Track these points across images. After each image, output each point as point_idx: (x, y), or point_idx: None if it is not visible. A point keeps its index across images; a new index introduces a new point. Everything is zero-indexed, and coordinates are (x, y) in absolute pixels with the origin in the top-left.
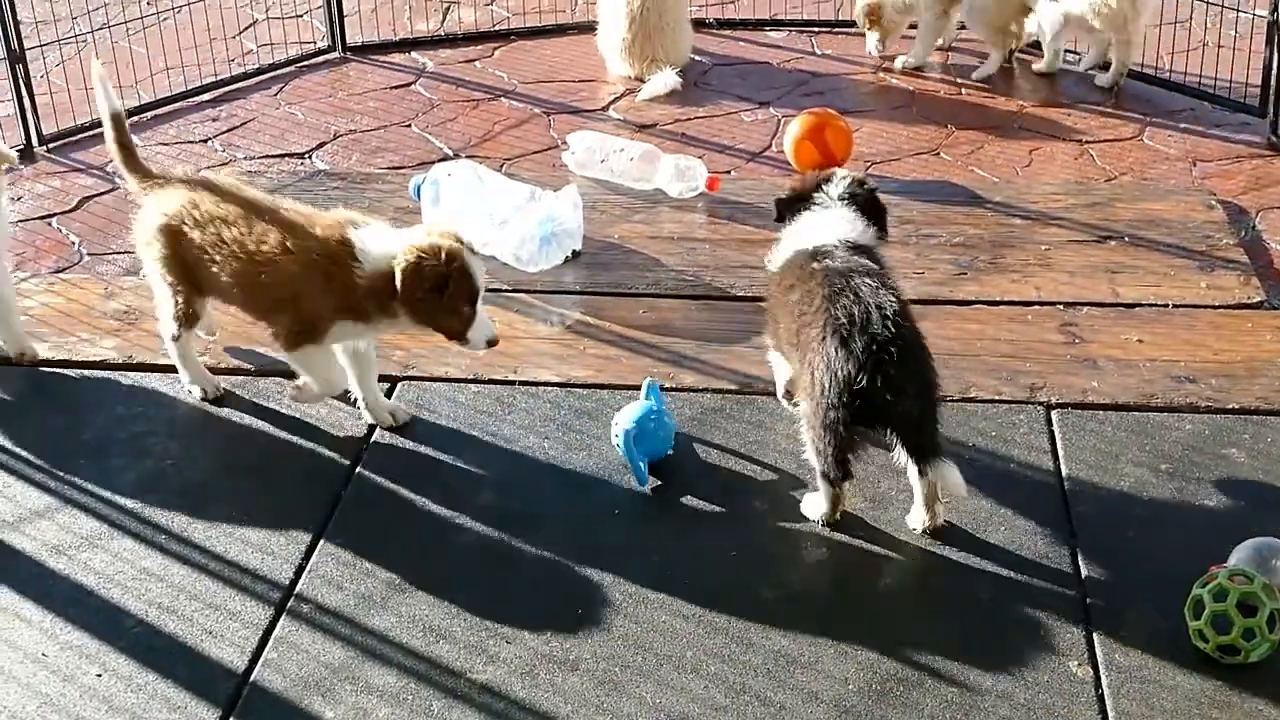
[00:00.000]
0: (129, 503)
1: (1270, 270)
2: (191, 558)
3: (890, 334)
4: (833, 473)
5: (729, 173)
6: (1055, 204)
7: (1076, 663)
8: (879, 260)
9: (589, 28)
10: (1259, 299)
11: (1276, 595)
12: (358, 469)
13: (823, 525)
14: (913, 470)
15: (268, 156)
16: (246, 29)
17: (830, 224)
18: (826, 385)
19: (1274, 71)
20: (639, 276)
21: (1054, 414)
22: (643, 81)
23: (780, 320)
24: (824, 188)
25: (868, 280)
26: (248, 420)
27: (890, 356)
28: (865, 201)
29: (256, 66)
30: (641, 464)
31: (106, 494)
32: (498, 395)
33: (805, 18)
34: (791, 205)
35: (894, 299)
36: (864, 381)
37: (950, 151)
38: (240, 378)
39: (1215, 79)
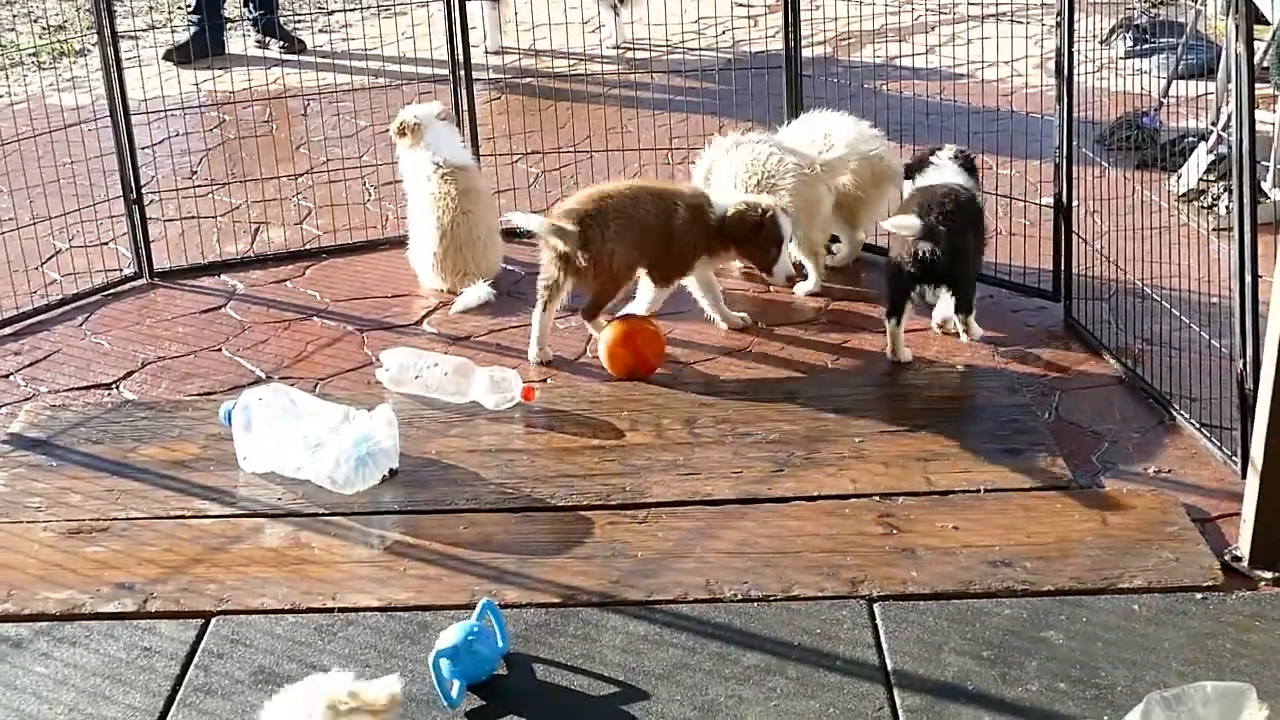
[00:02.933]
0: None
1: (1073, 449)
2: None
3: (946, 221)
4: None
5: (545, 381)
6: (865, 396)
7: None
8: (972, 196)
9: (400, 243)
10: (1066, 479)
11: None
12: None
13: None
14: (954, 316)
15: (73, 389)
16: (49, 259)
17: (940, 173)
18: (899, 249)
19: (1064, 257)
20: (458, 492)
21: (876, 607)
22: (455, 294)
23: None
24: (937, 153)
25: (945, 193)
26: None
27: (942, 233)
28: (964, 161)
29: (60, 297)
30: (455, 686)
31: None
32: (316, 624)
33: None
34: (917, 165)
35: (955, 203)
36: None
37: (761, 348)
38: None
39: (1010, 266)
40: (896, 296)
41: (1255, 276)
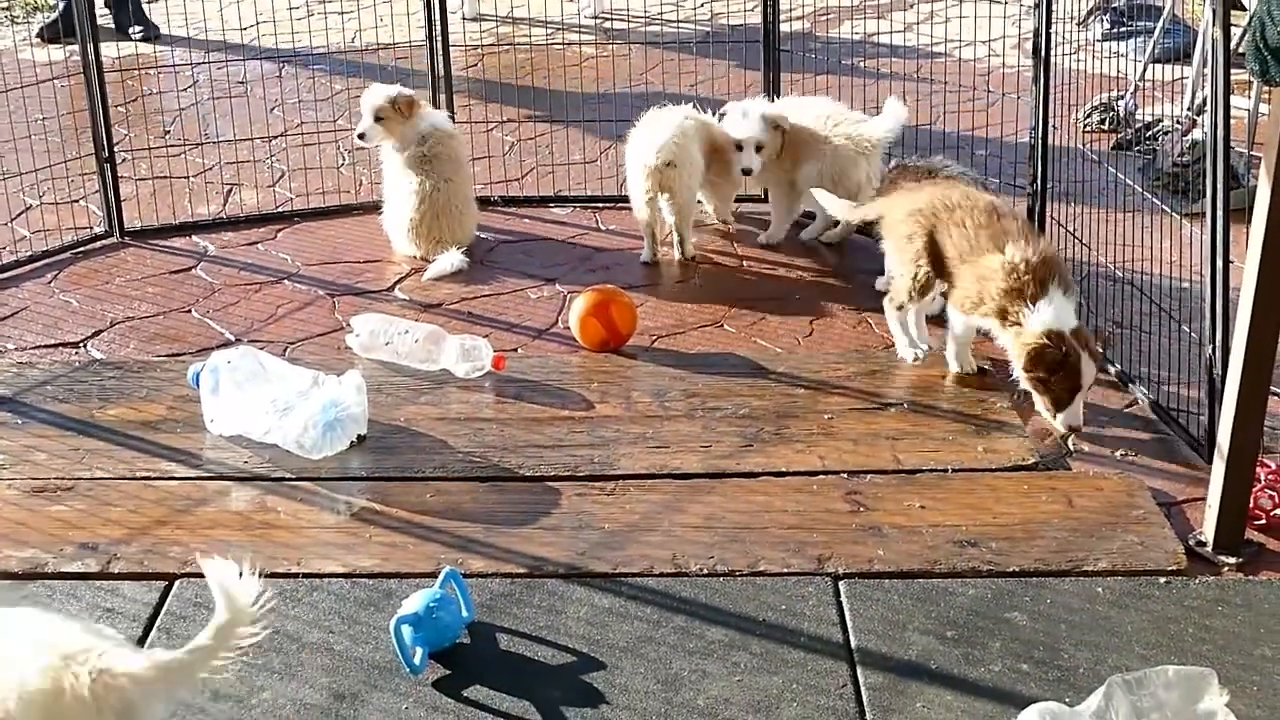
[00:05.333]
0: None
1: (1042, 431)
2: None
3: None
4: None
5: (515, 351)
6: (836, 373)
7: None
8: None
9: (374, 208)
10: (1033, 461)
11: None
12: None
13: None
14: None
15: (39, 347)
16: (19, 215)
17: None
18: None
19: None
20: (426, 459)
21: (842, 584)
22: (429, 261)
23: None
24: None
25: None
26: None
27: None
28: None
29: (30, 254)
30: (418, 653)
31: None
32: (281, 589)
33: (589, 193)
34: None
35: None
36: None
37: (733, 324)
38: None
39: None
40: None
41: (1227, 262)
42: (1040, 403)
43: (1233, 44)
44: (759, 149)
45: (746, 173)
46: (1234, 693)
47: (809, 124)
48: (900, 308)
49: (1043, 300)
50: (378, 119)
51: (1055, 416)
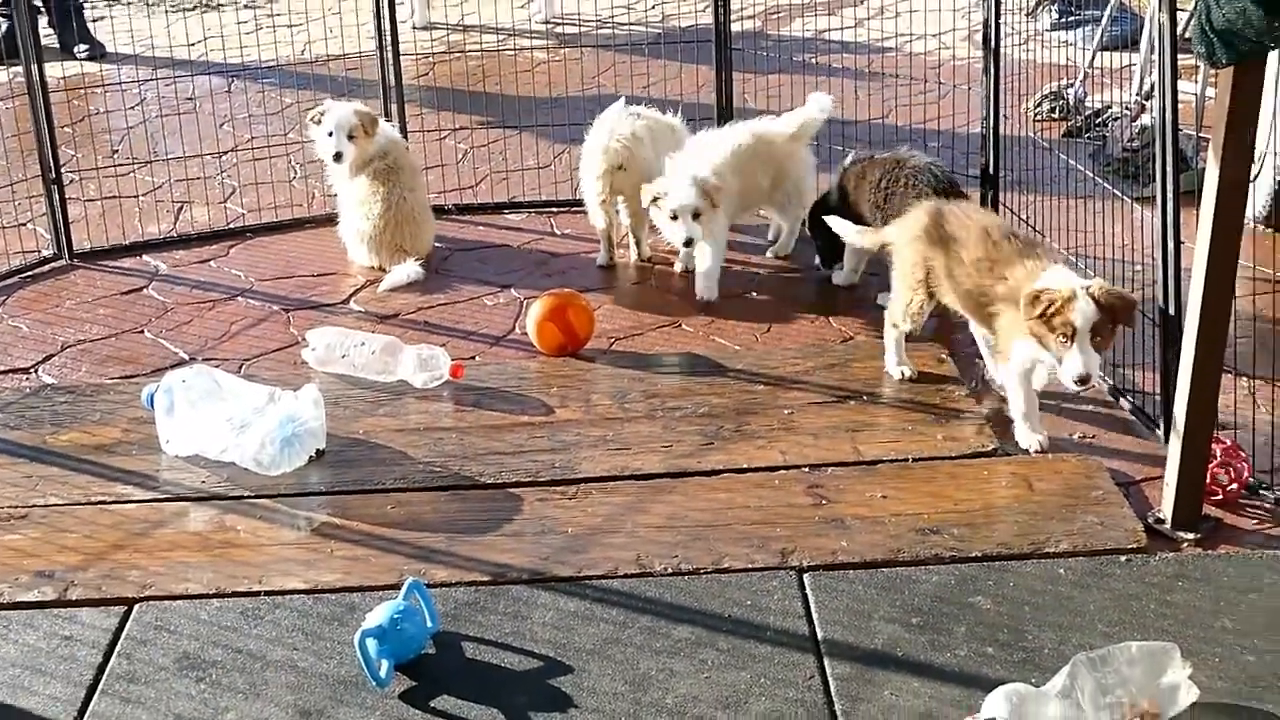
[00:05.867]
0: None
1: (1000, 418)
2: None
3: None
4: None
5: (473, 359)
6: (795, 368)
7: None
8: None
9: (327, 220)
10: (992, 447)
11: None
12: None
13: None
14: None
15: None
16: None
17: None
18: None
19: None
20: (386, 471)
21: (806, 577)
22: (387, 272)
23: None
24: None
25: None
26: None
27: None
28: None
29: None
30: (383, 666)
31: None
32: (242, 608)
33: (544, 198)
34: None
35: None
36: None
37: (691, 323)
38: None
39: None
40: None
41: (1178, 244)
42: (1052, 354)
43: (1179, 29)
44: (696, 216)
45: (689, 244)
46: (1196, 665)
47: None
48: (895, 326)
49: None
50: (350, 137)
51: (1062, 366)
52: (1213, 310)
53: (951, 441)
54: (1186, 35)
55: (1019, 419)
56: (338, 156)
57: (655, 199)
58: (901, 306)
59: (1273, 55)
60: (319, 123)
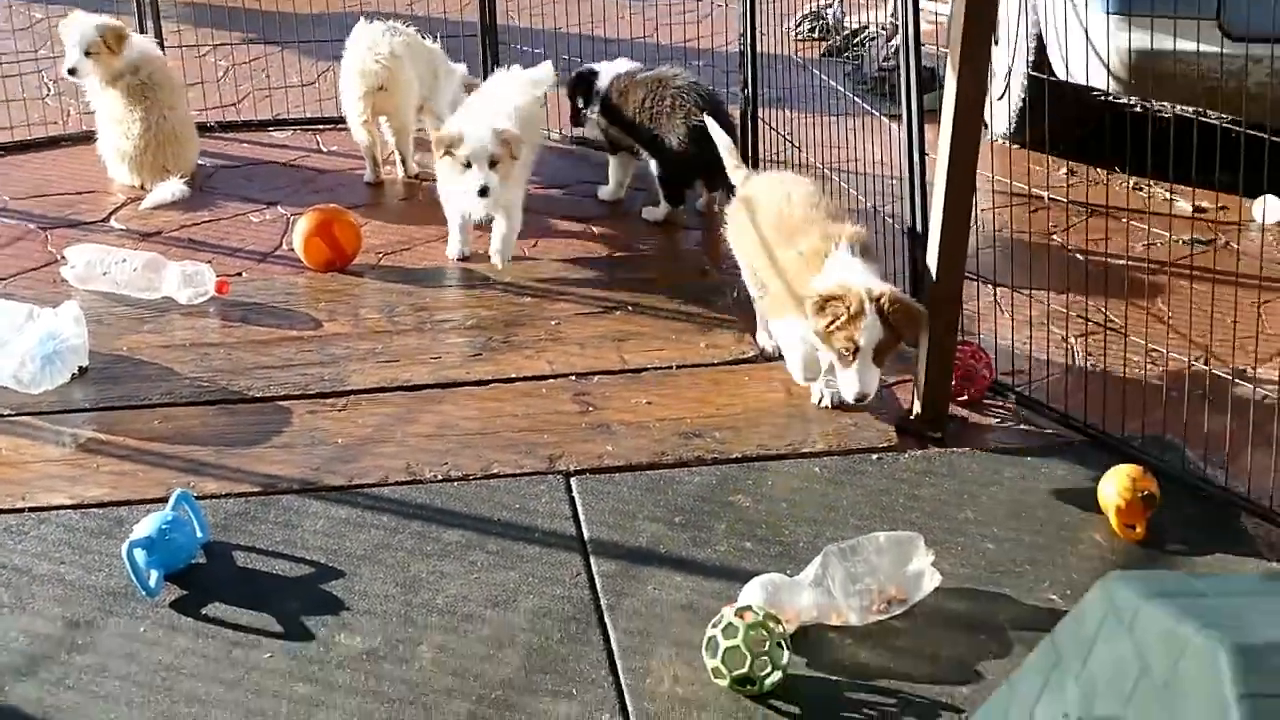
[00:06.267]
0: None
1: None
2: None
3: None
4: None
5: (240, 275)
6: (561, 280)
7: (608, 716)
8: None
9: (85, 138)
10: (753, 354)
11: (782, 624)
12: None
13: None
14: None
15: None
16: None
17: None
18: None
19: (751, 143)
20: (152, 387)
21: (573, 480)
22: (148, 191)
23: None
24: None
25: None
26: None
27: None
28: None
29: None
30: (152, 575)
31: None
32: (6, 525)
33: (309, 116)
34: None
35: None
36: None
37: None
38: None
39: None
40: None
41: (923, 158)
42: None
43: None
44: (493, 165)
45: (484, 193)
46: (939, 553)
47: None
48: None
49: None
50: (87, 53)
51: (840, 380)
52: (952, 222)
53: (714, 349)
54: None
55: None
56: (72, 71)
57: (448, 149)
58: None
59: None
60: None
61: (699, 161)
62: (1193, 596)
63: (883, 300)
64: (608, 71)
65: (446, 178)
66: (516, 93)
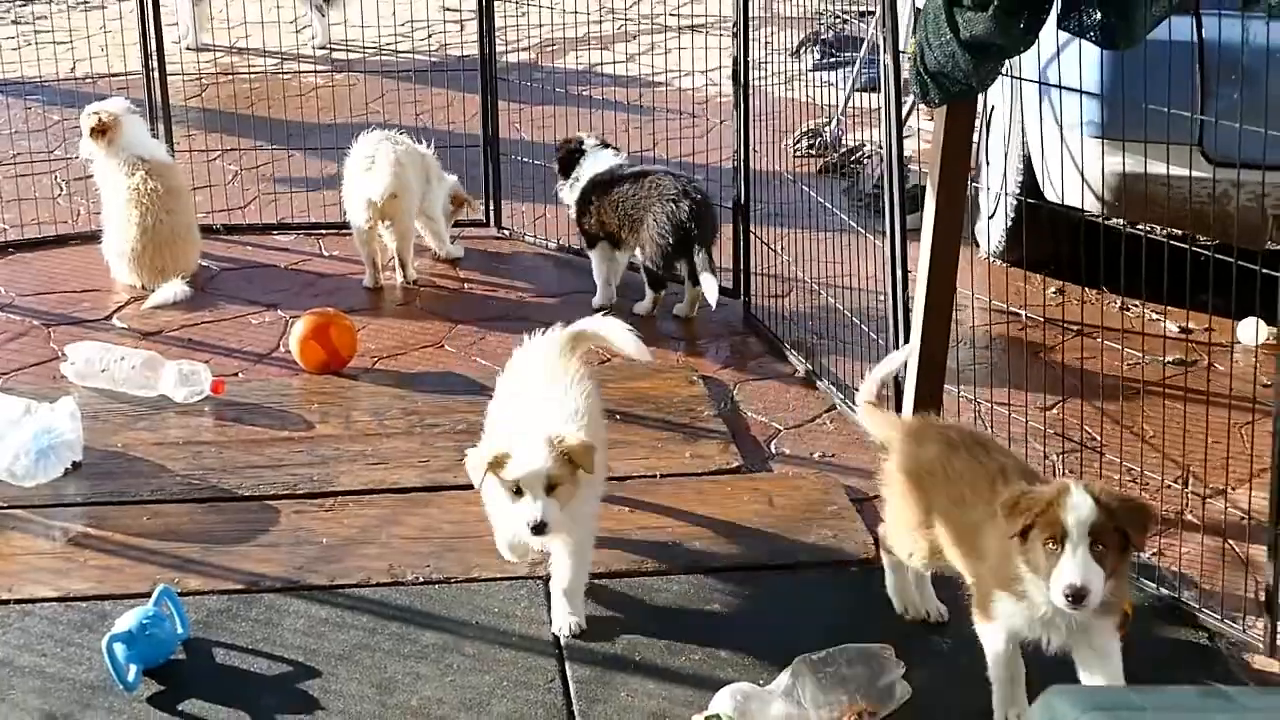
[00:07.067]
0: None
1: (747, 437)
2: None
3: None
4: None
5: (236, 375)
6: None
7: None
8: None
9: (92, 238)
10: (737, 464)
11: None
12: None
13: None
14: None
15: None
16: None
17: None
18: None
19: (743, 256)
20: (143, 484)
21: (551, 585)
22: (150, 291)
23: None
24: (584, 142)
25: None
26: None
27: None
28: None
29: None
30: (131, 670)
31: None
32: None
33: (313, 220)
34: (570, 157)
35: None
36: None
37: (454, 344)
38: None
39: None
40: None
41: (906, 276)
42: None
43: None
44: (551, 489)
45: (539, 530)
46: (911, 666)
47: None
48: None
49: None
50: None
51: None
52: (931, 334)
53: (698, 459)
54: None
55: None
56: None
57: (493, 468)
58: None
59: (1005, 101)
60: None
61: (682, 244)
62: (1131, 710)
63: (1093, 488)
64: (590, 166)
65: (493, 497)
66: (567, 371)
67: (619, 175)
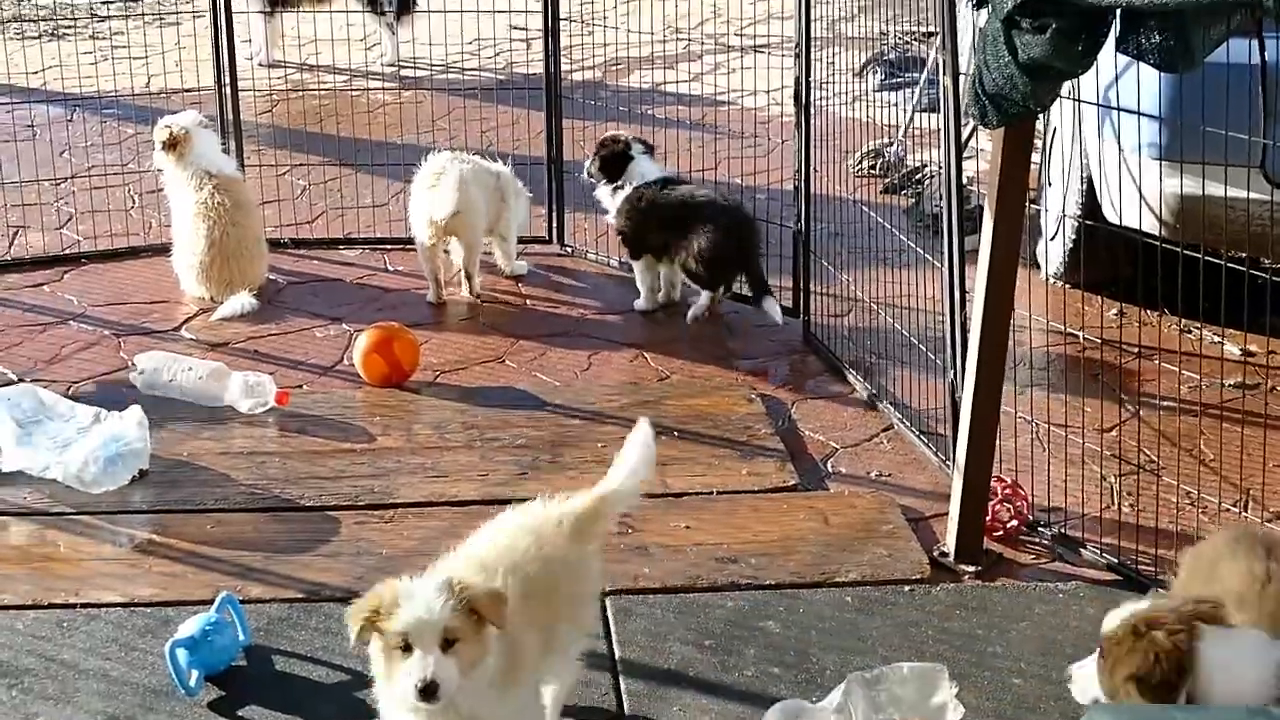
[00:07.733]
0: None
1: (803, 455)
2: None
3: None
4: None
5: (300, 387)
6: (611, 404)
7: None
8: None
9: (163, 250)
10: (793, 482)
11: None
12: None
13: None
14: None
15: None
16: None
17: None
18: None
19: (802, 276)
20: (208, 492)
21: (608, 600)
22: (218, 303)
23: None
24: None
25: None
26: None
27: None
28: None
29: None
30: (193, 675)
31: None
32: (58, 619)
33: (379, 235)
34: (616, 161)
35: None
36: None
37: (515, 359)
38: None
39: None
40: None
41: (964, 298)
42: None
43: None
44: (449, 644)
45: (427, 695)
46: (964, 687)
47: None
48: None
49: None
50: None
51: None
52: (988, 357)
53: (755, 476)
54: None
55: None
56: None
57: (377, 612)
58: None
59: (1065, 123)
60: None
61: (726, 267)
62: None
63: None
64: (637, 173)
65: (379, 664)
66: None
67: (666, 190)
